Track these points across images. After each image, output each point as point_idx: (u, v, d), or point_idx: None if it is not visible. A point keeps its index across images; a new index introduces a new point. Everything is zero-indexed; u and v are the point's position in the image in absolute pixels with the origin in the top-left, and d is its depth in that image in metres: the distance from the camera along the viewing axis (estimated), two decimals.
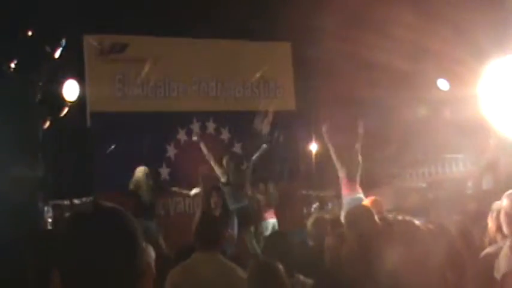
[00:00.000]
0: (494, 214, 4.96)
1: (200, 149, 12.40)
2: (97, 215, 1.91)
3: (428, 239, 3.89)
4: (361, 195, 11.77)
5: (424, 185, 14.17)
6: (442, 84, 13.28)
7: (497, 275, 4.37)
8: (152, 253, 3.90)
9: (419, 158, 14.54)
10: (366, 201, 5.13)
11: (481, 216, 5.97)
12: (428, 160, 14.57)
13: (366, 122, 12.70)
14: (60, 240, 1.90)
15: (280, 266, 4.52)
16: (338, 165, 12.18)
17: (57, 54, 10.26)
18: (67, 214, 11.52)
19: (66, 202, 12.06)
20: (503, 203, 4.73)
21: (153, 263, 4.56)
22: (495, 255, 4.61)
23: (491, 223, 5.04)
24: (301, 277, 5.07)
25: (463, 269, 4.30)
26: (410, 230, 3.84)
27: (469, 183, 12.49)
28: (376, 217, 4.58)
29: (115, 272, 1.84)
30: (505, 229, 4.62)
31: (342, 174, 12.14)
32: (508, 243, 4.51)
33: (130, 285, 1.86)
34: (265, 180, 13.39)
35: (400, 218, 4.28)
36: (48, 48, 10.17)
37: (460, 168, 13.98)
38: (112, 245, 1.85)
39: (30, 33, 9.92)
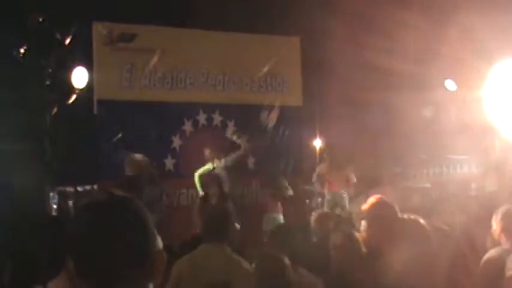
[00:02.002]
0: (500, 216, 4.98)
1: (205, 141, 12.44)
2: (110, 203, 1.94)
3: (434, 239, 3.90)
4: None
5: (428, 185, 14.16)
6: (449, 84, 13.29)
7: (508, 273, 4.38)
8: (160, 242, 3.96)
9: (424, 158, 14.54)
10: (371, 199, 5.15)
11: (484, 218, 5.99)
12: (433, 160, 14.57)
13: (372, 121, 12.78)
14: (74, 228, 1.93)
15: (287, 260, 4.55)
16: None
17: (67, 41, 10.28)
18: (70, 201, 11.56)
19: (70, 189, 12.08)
20: None
21: None
22: (499, 257, 4.63)
23: (495, 225, 5.06)
24: (306, 272, 5.09)
25: (467, 270, 4.32)
26: (417, 229, 3.86)
27: (473, 185, 12.49)
28: (398, 212, 4.59)
29: (129, 258, 1.87)
30: None
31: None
32: None
33: (144, 271, 1.89)
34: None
35: (405, 216, 4.30)
36: (58, 35, 10.18)
37: (464, 169, 13.98)
38: (126, 232, 1.88)
39: (40, 20, 9.94)
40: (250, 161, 14.32)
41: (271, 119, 13.90)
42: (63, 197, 11.81)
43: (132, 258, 1.88)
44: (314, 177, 13.36)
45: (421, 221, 4.06)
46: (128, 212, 1.93)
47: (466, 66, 11.20)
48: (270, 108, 14.00)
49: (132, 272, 1.88)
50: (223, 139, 13.63)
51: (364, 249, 5.06)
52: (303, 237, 6.72)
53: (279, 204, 12.86)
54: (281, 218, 12.69)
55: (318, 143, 14.97)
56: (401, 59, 11.63)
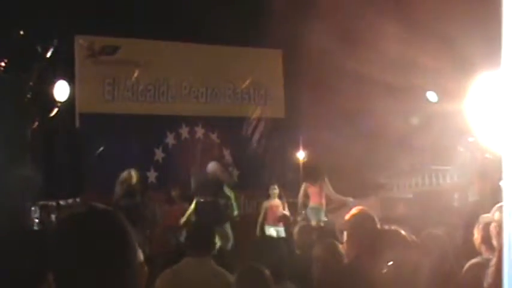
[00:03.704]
0: (481, 226, 4.99)
1: (188, 153, 12.44)
2: (91, 216, 1.93)
3: (415, 249, 3.92)
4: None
5: (410, 196, 14.22)
6: (431, 96, 13.36)
7: (487, 283, 4.40)
8: (141, 255, 3.93)
9: (407, 169, 14.59)
10: (353, 211, 5.18)
11: (466, 228, 6.01)
12: (415, 171, 14.62)
13: (354, 132, 12.84)
14: (54, 242, 1.92)
15: (267, 272, 4.55)
16: None
17: (48, 55, 10.25)
18: (53, 215, 11.47)
19: (52, 203, 11.98)
20: (494, 216, 4.76)
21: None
22: (480, 266, 4.65)
23: (477, 234, 5.08)
24: (291, 286, 5.08)
25: (449, 280, 4.34)
26: (398, 240, 3.88)
27: (456, 195, 12.55)
28: (378, 224, 4.61)
29: (110, 272, 1.85)
30: (495, 241, 4.65)
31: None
32: (497, 254, 4.54)
33: (125, 284, 1.87)
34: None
35: (386, 227, 4.32)
36: (39, 48, 10.15)
37: (446, 180, 14.03)
38: (107, 246, 1.87)
39: (22, 33, 9.91)
40: (234, 174, 14.32)
41: (258, 131, 13.93)
42: (45, 211, 11.73)
43: (112, 270, 1.87)
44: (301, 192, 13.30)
45: (402, 232, 4.07)
46: (108, 224, 1.92)
47: (448, 78, 11.26)
48: (253, 120, 14.03)
49: (112, 285, 1.86)
50: (205, 151, 13.63)
51: (345, 260, 5.07)
52: (287, 248, 6.73)
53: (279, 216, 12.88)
54: (282, 230, 12.64)
55: (301, 155, 14.97)
56: (383, 71, 11.67)
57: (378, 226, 4.63)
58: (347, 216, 4.97)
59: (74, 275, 1.84)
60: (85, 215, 1.93)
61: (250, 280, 4.57)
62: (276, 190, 13.30)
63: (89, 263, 1.84)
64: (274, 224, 12.97)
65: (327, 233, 7.69)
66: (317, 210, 12.71)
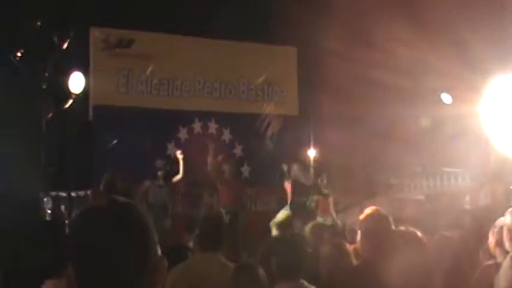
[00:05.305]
0: (496, 229, 4.98)
1: (200, 148, 12.44)
2: (112, 209, 1.92)
3: (430, 251, 3.91)
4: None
5: (422, 197, 14.18)
6: (445, 98, 13.33)
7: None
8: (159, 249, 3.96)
9: (418, 170, 14.55)
10: (367, 211, 5.17)
11: (478, 231, 5.98)
12: (427, 173, 14.59)
13: (367, 133, 12.85)
14: (75, 234, 1.92)
15: (261, 270, 4.57)
16: None
17: (64, 46, 10.27)
18: (63, 206, 11.52)
19: (63, 194, 12.02)
20: (506, 219, 4.75)
21: None
22: (494, 270, 4.64)
23: (491, 238, 5.06)
24: (305, 283, 5.08)
25: (463, 283, 4.32)
26: (413, 241, 3.86)
27: (467, 198, 12.51)
28: (392, 225, 4.60)
29: (130, 265, 1.85)
30: (507, 245, 4.65)
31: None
32: (508, 259, 4.53)
33: (145, 278, 1.87)
34: None
35: (402, 228, 4.30)
36: (56, 39, 10.18)
37: (458, 182, 13.99)
38: (128, 239, 1.87)
39: (38, 24, 9.94)
40: (246, 170, 14.32)
41: (271, 128, 13.93)
42: (56, 201, 11.76)
43: (134, 264, 1.86)
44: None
45: (418, 233, 4.06)
46: (130, 218, 1.91)
47: (462, 80, 11.23)
48: (267, 117, 14.02)
49: (134, 278, 1.86)
50: (218, 147, 13.65)
51: (354, 261, 5.06)
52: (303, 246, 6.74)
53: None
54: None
55: (312, 153, 14.96)
56: (398, 73, 11.66)
57: (393, 227, 4.62)
58: (361, 216, 4.95)
59: (94, 268, 1.84)
60: (107, 208, 1.93)
61: (244, 278, 4.60)
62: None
63: (109, 256, 1.83)
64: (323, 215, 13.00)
65: (339, 233, 7.67)
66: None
